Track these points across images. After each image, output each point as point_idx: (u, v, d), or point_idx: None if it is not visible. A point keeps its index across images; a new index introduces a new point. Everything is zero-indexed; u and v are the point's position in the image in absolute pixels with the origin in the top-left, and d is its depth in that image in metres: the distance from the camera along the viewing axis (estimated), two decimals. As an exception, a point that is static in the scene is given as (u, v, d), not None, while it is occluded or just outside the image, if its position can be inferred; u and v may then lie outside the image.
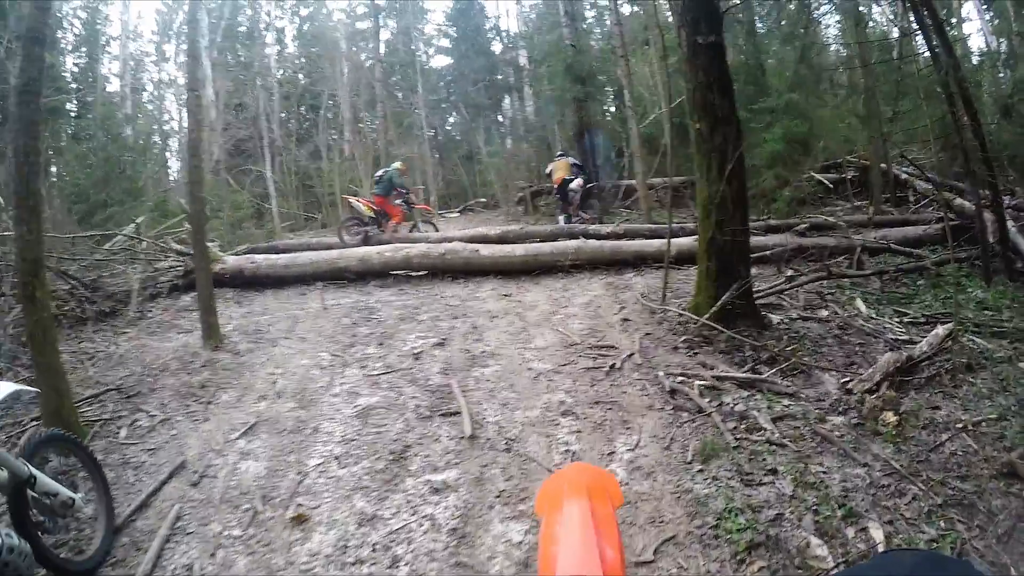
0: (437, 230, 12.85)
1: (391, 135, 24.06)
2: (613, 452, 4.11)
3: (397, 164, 13.62)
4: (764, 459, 3.85)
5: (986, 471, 3.67)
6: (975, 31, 17.56)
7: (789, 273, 7.19)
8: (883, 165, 11.96)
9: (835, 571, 2.40)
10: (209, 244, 12.26)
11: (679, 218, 12.02)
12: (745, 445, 4.03)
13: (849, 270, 7.65)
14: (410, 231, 12.71)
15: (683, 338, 5.77)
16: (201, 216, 7.24)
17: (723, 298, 5.59)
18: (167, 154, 25.90)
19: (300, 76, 28.02)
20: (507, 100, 26.16)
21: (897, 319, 6.40)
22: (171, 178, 23.12)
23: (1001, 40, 16.06)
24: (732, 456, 3.90)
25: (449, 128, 28.17)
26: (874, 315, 6.51)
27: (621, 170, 14.62)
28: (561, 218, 12.46)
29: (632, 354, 5.55)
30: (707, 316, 5.62)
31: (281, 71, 27.56)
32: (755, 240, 7.26)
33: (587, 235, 10.06)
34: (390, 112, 25.04)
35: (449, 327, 6.87)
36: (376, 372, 5.72)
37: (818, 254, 8.24)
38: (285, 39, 29.18)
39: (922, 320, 6.27)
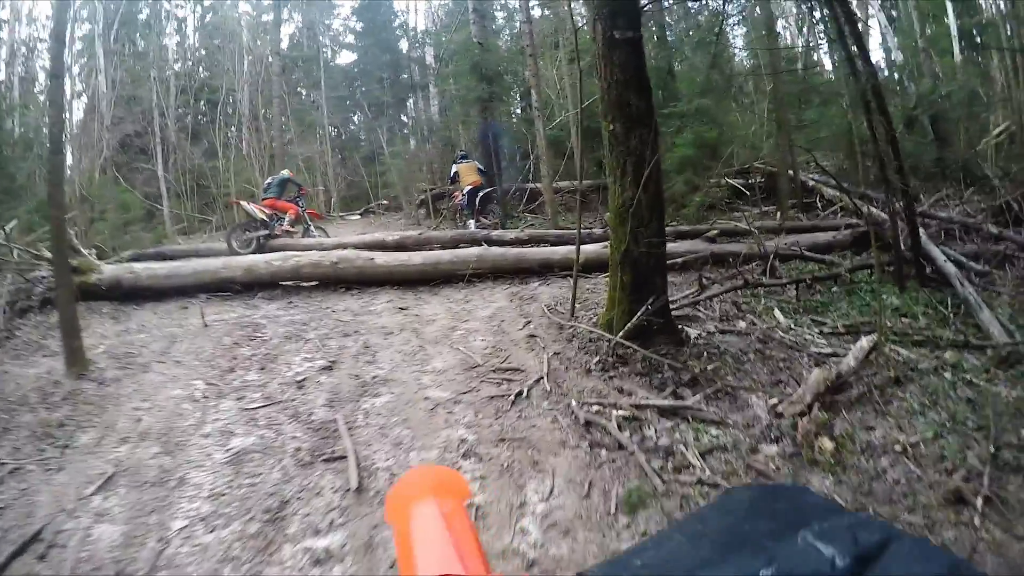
0: (328, 236, 11.97)
1: (291, 133, 22.80)
2: (524, 503, 3.48)
3: (285, 172, 12.78)
4: (698, 503, 3.36)
5: (933, 499, 3.30)
6: (876, 46, 18.03)
7: (703, 282, 6.78)
8: (791, 171, 11.89)
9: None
10: (87, 252, 11.10)
11: (586, 224, 11.70)
12: (675, 488, 3.49)
13: (764, 278, 7.33)
14: (302, 236, 11.80)
15: (596, 359, 5.22)
16: (61, 223, 6.19)
17: (639, 314, 5.09)
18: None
19: (200, 69, 26.25)
20: (412, 100, 25.26)
21: (816, 329, 6.04)
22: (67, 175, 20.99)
23: (898, 54, 16.54)
24: (661, 504, 3.36)
25: (354, 127, 26.99)
26: (793, 325, 6.15)
27: (527, 173, 14.08)
28: (472, 223, 11.76)
29: (541, 378, 4.95)
30: (621, 334, 5.10)
31: (180, 63, 25.70)
32: (667, 247, 6.89)
33: (490, 241, 9.49)
34: (291, 109, 23.72)
35: (339, 347, 6.13)
36: (254, 405, 4.93)
37: (731, 261, 7.93)
38: (186, 29, 27.27)
39: (841, 331, 5.92)
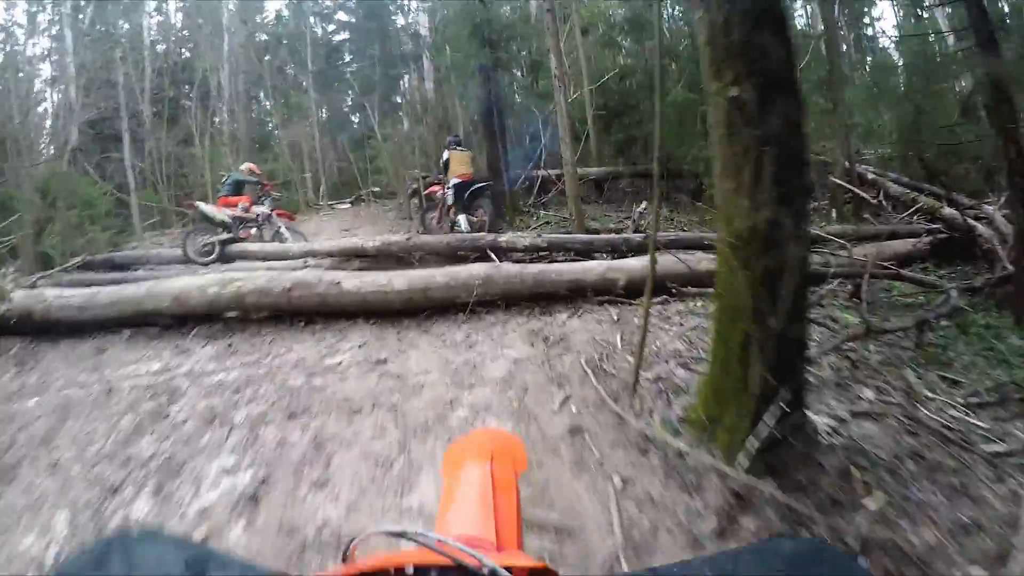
0: (304, 239, 9.48)
1: (277, 116, 20.21)
2: None
3: (245, 166, 10.54)
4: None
5: None
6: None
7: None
8: (847, 163, 9.41)
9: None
10: (6, 270, 8.76)
11: (616, 216, 9.21)
12: None
13: (889, 323, 4.93)
14: (272, 241, 9.35)
15: (699, 502, 2.79)
16: None
17: (768, 421, 2.71)
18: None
19: (182, 50, 23.42)
20: (406, 77, 22.48)
21: (959, 397, 3.83)
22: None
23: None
24: None
25: (346, 109, 24.24)
26: (928, 391, 3.85)
27: (538, 158, 11.45)
28: (462, 220, 9.22)
29: (615, 556, 2.53)
30: (743, 459, 2.71)
31: (161, 45, 22.85)
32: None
33: (498, 249, 7.03)
34: (276, 90, 21.07)
35: (277, 443, 3.73)
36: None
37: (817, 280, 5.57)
38: (167, 6, 24.33)
39: (985, 397, 3.80)
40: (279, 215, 9.72)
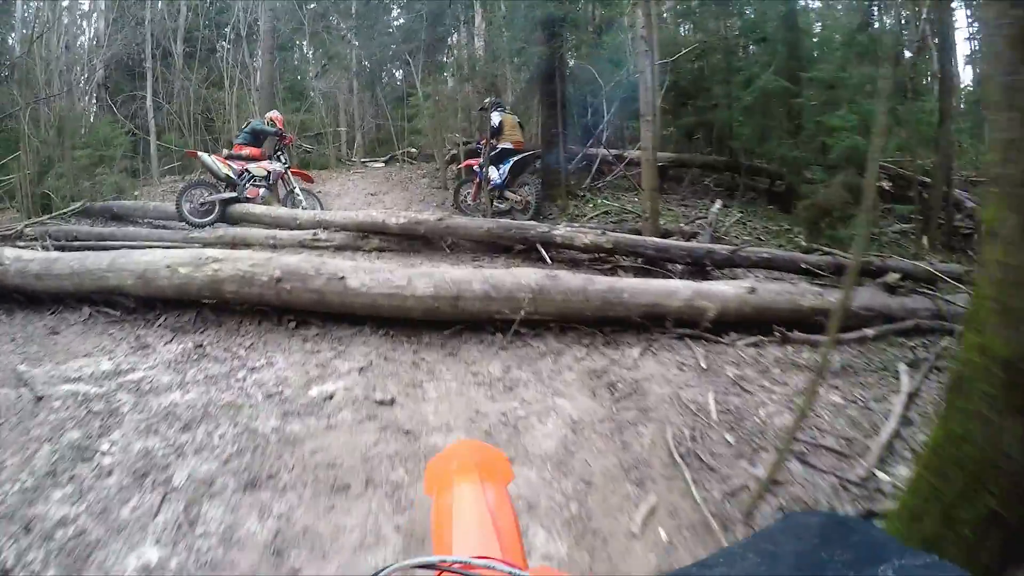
0: (322, 207, 8.09)
1: (314, 66, 18.81)
2: None
3: (269, 115, 8.95)
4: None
5: None
6: None
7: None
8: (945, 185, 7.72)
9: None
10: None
11: (663, 210, 7.59)
12: None
13: None
14: (284, 203, 7.98)
15: None
16: None
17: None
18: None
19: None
20: (453, 37, 20.78)
21: None
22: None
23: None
24: None
25: (388, 65, 22.64)
26: None
27: (598, 136, 9.74)
28: (508, 193, 7.73)
29: None
30: None
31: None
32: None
33: (549, 244, 5.58)
34: (317, 38, 19.62)
35: (220, 540, 2.49)
36: None
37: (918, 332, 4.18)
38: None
39: None
40: (295, 174, 8.34)
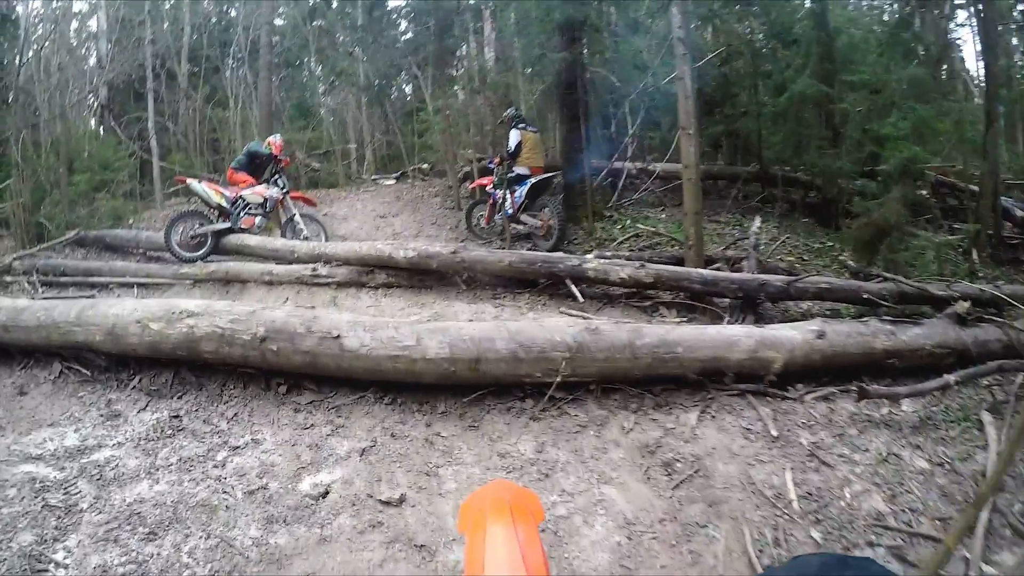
0: (326, 233, 7.40)
1: (321, 82, 18.30)
2: None
3: (271, 139, 8.05)
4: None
5: None
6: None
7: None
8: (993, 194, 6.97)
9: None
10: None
11: (716, 234, 6.81)
12: None
13: None
14: (283, 232, 7.30)
15: None
16: None
17: None
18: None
19: (227, 7, 21.50)
20: (463, 49, 20.11)
21: None
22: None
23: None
24: None
25: (397, 80, 22.05)
26: None
27: (623, 150, 8.88)
28: (527, 217, 6.89)
29: None
30: None
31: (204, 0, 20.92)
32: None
33: (579, 277, 4.87)
34: (323, 55, 19.08)
35: None
36: None
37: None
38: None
39: None
40: (296, 199, 7.65)
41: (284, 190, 7.43)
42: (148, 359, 3.96)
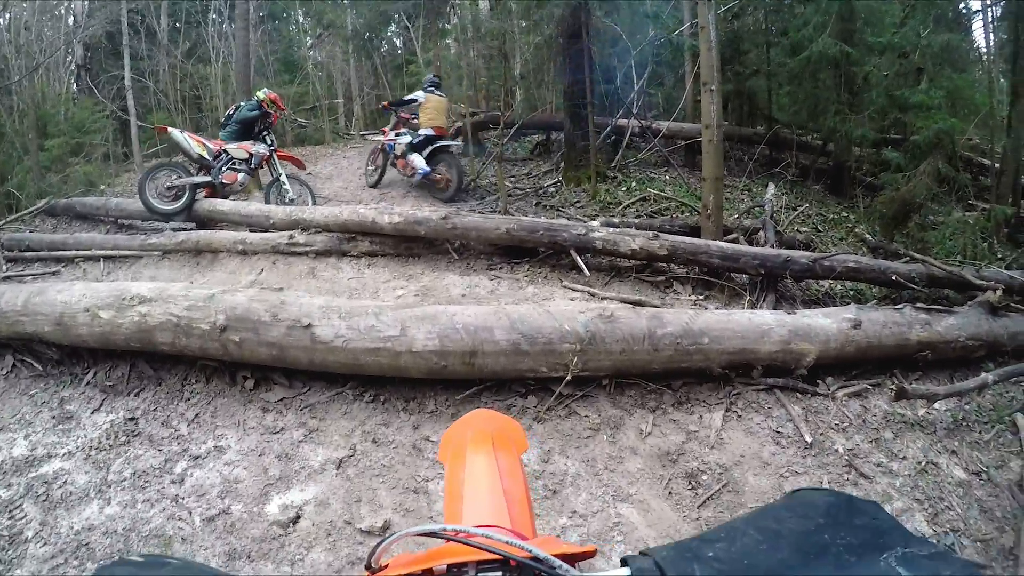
0: (313, 197, 6.87)
1: (308, 34, 17.48)
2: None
3: (261, 94, 7.40)
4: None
5: None
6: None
7: None
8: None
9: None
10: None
11: (729, 205, 6.31)
12: None
13: None
14: (267, 194, 6.74)
15: None
16: None
17: None
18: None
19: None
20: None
21: None
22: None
23: None
24: None
25: (387, 31, 21.08)
26: None
27: (628, 107, 8.18)
28: (417, 159, 7.18)
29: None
30: None
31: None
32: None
33: (584, 247, 4.36)
34: (309, 4, 18.21)
35: None
36: None
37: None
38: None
39: None
40: (283, 158, 7.09)
41: (272, 148, 6.90)
42: (102, 351, 3.52)
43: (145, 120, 14.71)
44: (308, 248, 5.14)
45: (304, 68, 17.11)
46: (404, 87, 15.19)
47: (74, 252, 6.10)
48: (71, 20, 16.88)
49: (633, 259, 4.33)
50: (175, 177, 6.30)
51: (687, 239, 4.31)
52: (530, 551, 0.58)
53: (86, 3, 16.21)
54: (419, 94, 7.83)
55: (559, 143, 8.33)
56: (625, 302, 3.85)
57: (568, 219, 5.54)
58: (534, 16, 7.63)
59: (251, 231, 5.57)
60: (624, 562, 0.59)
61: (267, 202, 6.60)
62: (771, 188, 6.15)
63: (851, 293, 4.74)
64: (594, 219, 5.31)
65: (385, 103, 8.33)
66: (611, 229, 4.38)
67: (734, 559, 0.58)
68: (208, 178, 6.50)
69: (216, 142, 6.82)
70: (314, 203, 6.73)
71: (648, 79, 8.31)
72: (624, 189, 6.69)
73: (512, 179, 7.65)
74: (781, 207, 6.41)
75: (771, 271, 4.15)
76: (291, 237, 5.18)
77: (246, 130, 7.08)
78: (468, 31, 13.21)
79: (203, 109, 15.69)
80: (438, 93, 7.83)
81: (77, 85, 15.98)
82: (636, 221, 5.25)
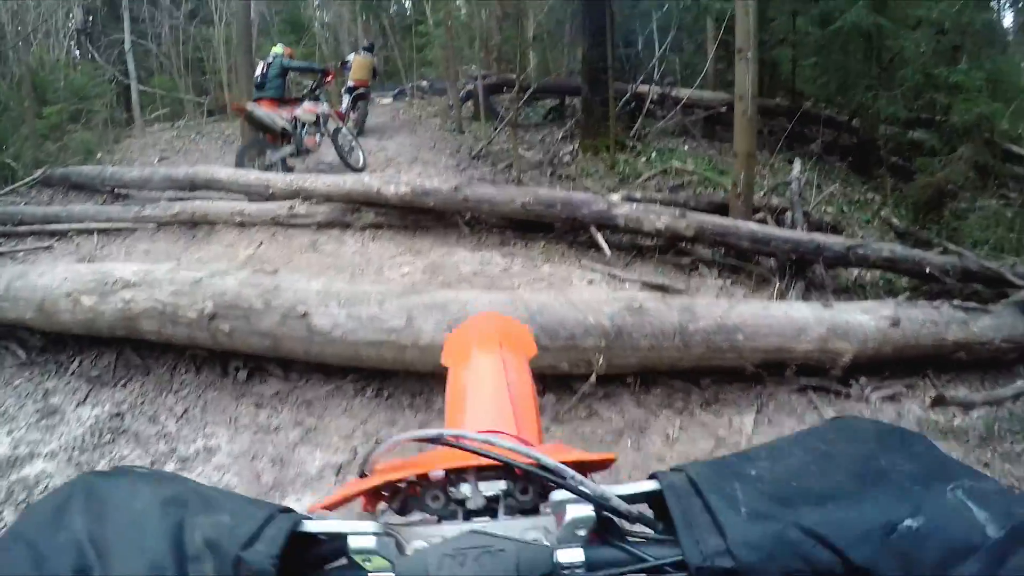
0: (363, 158, 7.02)
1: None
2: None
3: (278, 48, 7.25)
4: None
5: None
6: None
7: None
8: None
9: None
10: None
11: (726, 167, 5.91)
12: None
13: None
14: (338, 150, 6.86)
15: None
16: None
17: None
18: None
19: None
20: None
21: None
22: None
23: None
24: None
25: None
26: None
27: (649, 73, 7.77)
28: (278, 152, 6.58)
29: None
30: None
31: None
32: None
33: (605, 223, 4.01)
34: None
35: None
36: None
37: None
38: None
39: None
40: (336, 115, 7.18)
41: (328, 106, 7.01)
42: (88, 338, 3.27)
43: (148, 84, 14.42)
44: (309, 220, 4.85)
45: (310, 29, 16.66)
46: (413, 48, 14.79)
47: (68, 225, 5.86)
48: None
49: (657, 238, 4.01)
50: (269, 154, 6.34)
51: (715, 218, 3.96)
52: (537, 458, 0.52)
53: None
54: (351, 56, 10.12)
55: (573, 108, 7.93)
56: (648, 286, 3.57)
57: (586, 191, 5.20)
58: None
59: (249, 202, 5.29)
60: (654, 476, 0.53)
61: (340, 156, 6.91)
62: (797, 165, 5.82)
63: (881, 283, 4.44)
64: (613, 192, 4.97)
65: (340, 64, 10.37)
66: (634, 205, 4.05)
67: (780, 480, 0.50)
68: (292, 147, 6.51)
69: (287, 108, 6.71)
70: (364, 155, 7.12)
71: (672, 44, 7.88)
72: (644, 160, 6.32)
73: (525, 145, 7.29)
74: (805, 184, 6.10)
75: (802, 257, 3.83)
76: (291, 208, 4.89)
77: (285, 81, 7.02)
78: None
79: (206, 72, 15.32)
80: (365, 55, 9.88)
81: (78, 50, 15.59)
82: (659, 196, 4.90)
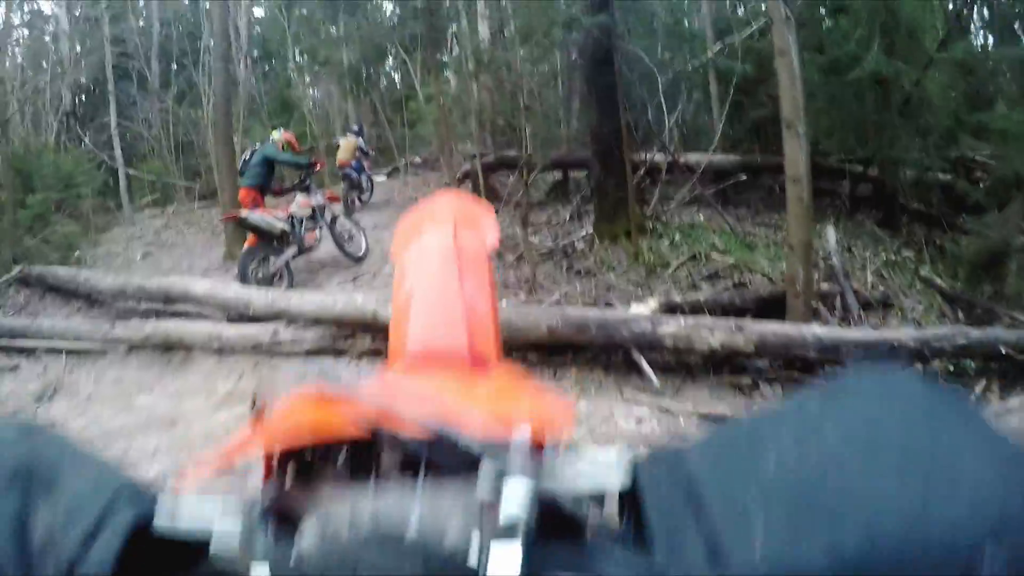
0: (365, 244, 6.79)
1: (302, 72, 16.91)
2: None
3: (276, 134, 7.12)
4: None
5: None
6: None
7: None
8: None
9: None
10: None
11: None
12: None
13: None
14: (337, 243, 6.66)
15: None
16: None
17: None
18: None
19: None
20: (454, 25, 18.28)
21: None
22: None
23: None
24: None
25: (384, 65, 20.36)
26: None
27: (666, 140, 7.21)
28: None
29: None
30: None
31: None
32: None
33: (648, 343, 3.36)
34: (303, 42, 17.56)
35: None
36: None
37: None
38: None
39: None
40: (330, 199, 6.83)
41: (323, 196, 6.65)
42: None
43: (138, 168, 14.09)
44: (296, 347, 4.20)
45: (300, 108, 16.47)
46: (404, 123, 14.49)
47: (36, 342, 5.28)
48: (52, 63, 16.30)
49: (709, 358, 3.38)
50: (272, 259, 5.98)
51: (775, 326, 3.40)
52: (449, 436, 0.41)
53: (73, 48, 15.70)
54: (340, 139, 11.26)
55: (578, 183, 7.39)
56: (706, 418, 2.92)
57: (609, 291, 4.57)
58: (549, 38, 6.64)
59: (228, 324, 4.66)
60: (634, 463, 0.43)
61: (338, 246, 6.62)
62: (831, 235, 5.25)
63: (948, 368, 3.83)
64: (641, 288, 4.36)
65: (340, 161, 10.63)
66: (682, 321, 3.40)
67: (810, 476, 0.35)
68: (295, 248, 6.11)
69: (283, 208, 6.47)
70: (366, 241, 6.85)
71: (684, 110, 7.43)
72: (667, 243, 5.69)
73: (531, 228, 6.70)
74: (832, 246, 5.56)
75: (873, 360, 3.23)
76: (275, 333, 4.25)
77: (271, 171, 6.77)
78: (469, 63, 12.23)
79: (196, 155, 14.98)
80: (351, 137, 10.73)
81: (65, 134, 15.31)
82: (702, 298, 4.24)
